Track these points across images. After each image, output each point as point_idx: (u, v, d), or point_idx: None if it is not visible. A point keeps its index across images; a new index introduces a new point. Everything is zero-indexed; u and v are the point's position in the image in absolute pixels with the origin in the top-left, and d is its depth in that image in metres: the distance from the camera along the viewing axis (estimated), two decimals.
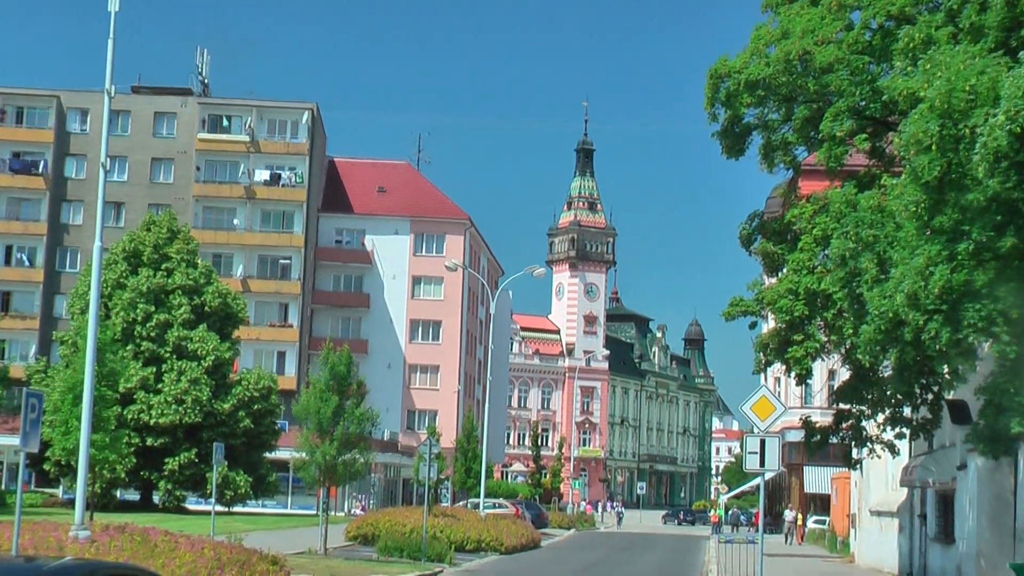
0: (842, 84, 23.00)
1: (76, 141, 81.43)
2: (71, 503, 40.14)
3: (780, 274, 26.72)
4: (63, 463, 45.71)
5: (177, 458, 55.40)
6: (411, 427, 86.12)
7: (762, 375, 40.85)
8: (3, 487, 58.00)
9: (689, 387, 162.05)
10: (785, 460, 63.87)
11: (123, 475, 48.42)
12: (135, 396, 54.56)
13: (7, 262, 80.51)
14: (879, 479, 38.91)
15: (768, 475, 35.32)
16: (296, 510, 63.29)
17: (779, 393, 60.60)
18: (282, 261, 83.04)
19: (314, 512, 55.69)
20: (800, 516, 61.30)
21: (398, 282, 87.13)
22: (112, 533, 21.50)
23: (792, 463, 67.30)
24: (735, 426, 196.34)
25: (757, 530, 34.78)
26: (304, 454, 35.06)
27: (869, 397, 25.57)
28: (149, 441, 54.78)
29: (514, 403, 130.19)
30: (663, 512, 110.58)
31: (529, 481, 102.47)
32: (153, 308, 56.91)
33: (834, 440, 28.47)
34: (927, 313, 17.92)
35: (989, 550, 24.98)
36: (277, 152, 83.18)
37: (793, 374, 26.41)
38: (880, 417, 26.67)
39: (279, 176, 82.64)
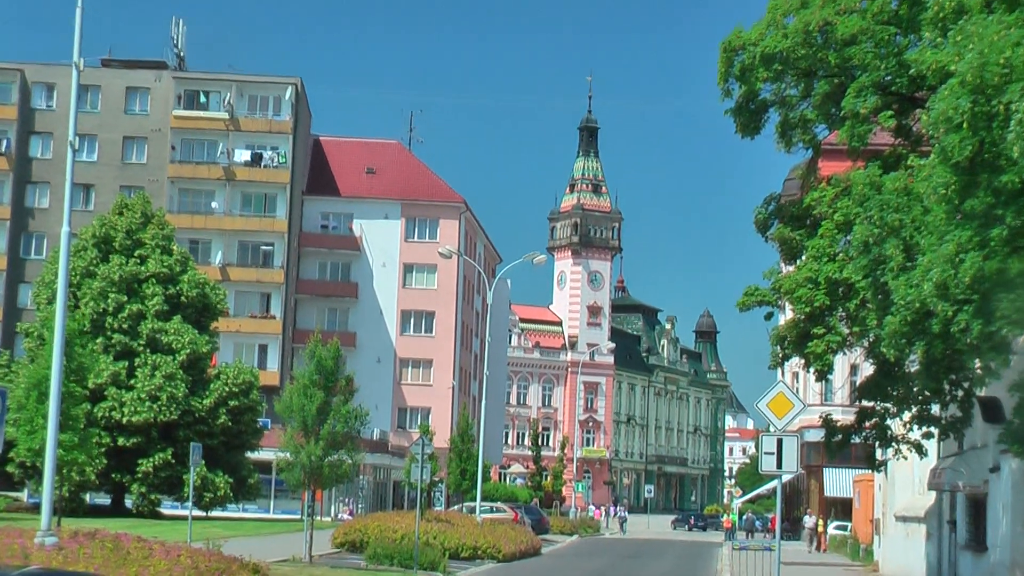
0: (866, 57, 22.99)
1: (42, 118, 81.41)
2: (37, 508, 40.23)
3: (799, 261, 26.77)
4: (28, 464, 45.70)
5: (151, 459, 55.41)
6: (402, 426, 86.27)
7: (779, 370, 41.01)
8: None
9: (700, 383, 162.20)
10: (804, 461, 63.79)
11: (93, 477, 48.33)
12: (106, 392, 54.57)
13: None
14: (905, 482, 38.97)
15: (786, 477, 35.40)
16: (279, 515, 63.44)
17: (797, 389, 60.76)
18: (264, 248, 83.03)
19: (298, 517, 55.79)
20: (821, 521, 61.42)
21: (388, 270, 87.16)
22: (81, 540, 21.53)
23: (811, 465, 67.40)
24: (750, 425, 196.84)
25: (774, 536, 34.87)
26: (288, 455, 35.12)
27: (894, 394, 25.60)
28: (121, 441, 54.78)
29: (513, 400, 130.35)
30: (672, 517, 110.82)
31: (529, 484, 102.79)
32: (125, 298, 56.90)
33: (856, 440, 28.52)
34: (957, 303, 17.92)
35: None
36: (258, 130, 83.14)
37: (813, 369, 26.46)
38: (906, 415, 26.71)
39: (260, 156, 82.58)
